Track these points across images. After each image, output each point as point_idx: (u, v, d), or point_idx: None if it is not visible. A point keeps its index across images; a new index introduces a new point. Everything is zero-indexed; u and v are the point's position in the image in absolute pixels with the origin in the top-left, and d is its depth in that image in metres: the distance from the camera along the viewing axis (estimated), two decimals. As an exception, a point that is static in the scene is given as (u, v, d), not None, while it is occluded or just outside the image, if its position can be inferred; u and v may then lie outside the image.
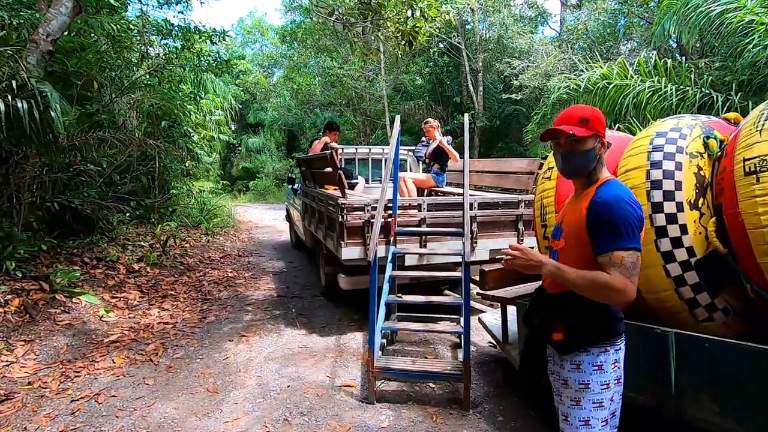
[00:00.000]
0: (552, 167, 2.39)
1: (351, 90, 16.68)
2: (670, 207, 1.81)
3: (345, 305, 4.76)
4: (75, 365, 3.33)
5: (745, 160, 1.63)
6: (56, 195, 5.20)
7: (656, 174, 1.88)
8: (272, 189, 20.27)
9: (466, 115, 3.83)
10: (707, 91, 6.00)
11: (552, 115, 7.53)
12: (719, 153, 1.88)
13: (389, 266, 3.48)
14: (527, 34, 11.54)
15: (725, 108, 5.64)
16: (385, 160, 6.61)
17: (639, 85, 6.27)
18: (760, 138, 1.61)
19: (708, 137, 1.92)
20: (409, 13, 4.64)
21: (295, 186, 7.29)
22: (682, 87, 6.15)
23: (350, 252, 3.66)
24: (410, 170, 6.38)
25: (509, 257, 1.46)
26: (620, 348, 1.45)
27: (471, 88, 13.11)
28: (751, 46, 5.69)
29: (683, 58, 8.03)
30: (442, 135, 5.42)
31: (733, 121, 2.10)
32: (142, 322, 4.23)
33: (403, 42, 5.03)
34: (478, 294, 3.05)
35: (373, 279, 2.80)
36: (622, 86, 6.45)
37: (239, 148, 22.90)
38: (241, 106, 22.74)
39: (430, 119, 5.57)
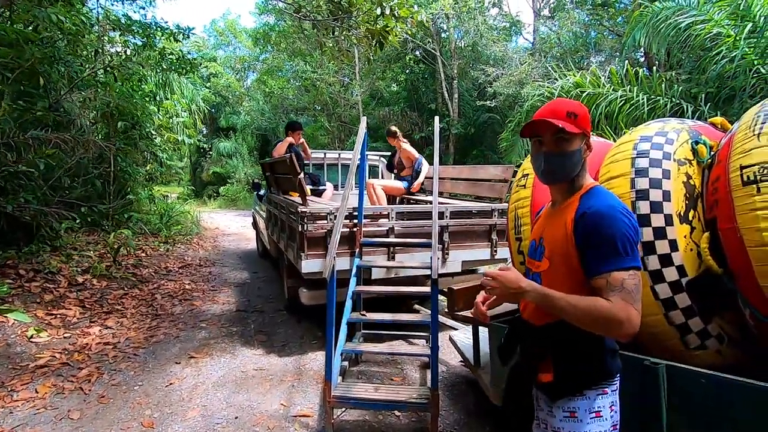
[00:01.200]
0: (528, 174, 2.17)
1: (325, 95, 16.39)
2: (657, 220, 1.61)
3: (308, 320, 4.43)
4: (-11, 396, 2.88)
5: (742, 167, 1.44)
6: (-12, 200, 4.68)
7: (642, 183, 1.67)
8: (243, 195, 19.68)
9: (437, 118, 3.61)
10: (677, 101, 6.02)
11: (526, 123, 7.45)
12: (710, 160, 1.69)
13: (353, 280, 3.19)
14: (501, 41, 11.56)
15: (695, 118, 5.66)
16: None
17: (611, 94, 6.25)
18: (759, 143, 1.42)
19: (697, 142, 1.74)
20: (379, 11, 4.41)
21: (261, 192, 6.93)
22: (653, 97, 6.16)
23: (311, 264, 3.35)
24: (381, 177, 6.13)
25: (488, 287, 1.22)
26: (617, 388, 1.21)
27: (446, 94, 13.05)
28: (719, 57, 5.74)
29: (652, 69, 8.13)
30: (406, 142, 5.23)
31: (720, 126, 1.93)
32: (78, 343, 3.78)
33: (374, 42, 4.80)
34: (446, 312, 2.80)
35: (331, 297, 2.51)
36: (595, 95, 6.43)
37: (210, 153, 22.19)
38: (212, 110, 22.11)
39: (389, 127, 5.35)
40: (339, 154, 6.19)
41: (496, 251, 4.03)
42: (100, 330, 4.09)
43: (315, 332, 4.17)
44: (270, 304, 5.11)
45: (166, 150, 10.46)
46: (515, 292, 1.16)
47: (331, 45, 6.51)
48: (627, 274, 1.07)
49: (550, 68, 7.82)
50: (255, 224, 7.92)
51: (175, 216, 9.77)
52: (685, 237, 1.60)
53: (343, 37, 5.71)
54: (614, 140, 3.88)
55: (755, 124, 1.48)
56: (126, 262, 6.17)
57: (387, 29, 4.60)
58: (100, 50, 7.38)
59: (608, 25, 11.57)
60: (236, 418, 2.72)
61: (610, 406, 1.19)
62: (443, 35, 13.80)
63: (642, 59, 11.05)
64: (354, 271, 3.27)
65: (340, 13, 5.39)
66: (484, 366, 2.53)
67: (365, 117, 3.54)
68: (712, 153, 1.70)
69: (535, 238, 1.34)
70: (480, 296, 1.36)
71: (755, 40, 5.35)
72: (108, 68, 7.08)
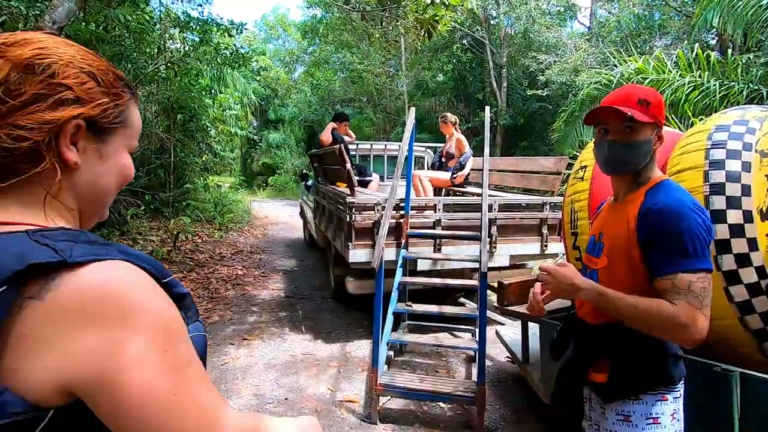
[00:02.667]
0: (586, 165, 2.07)
1: (371, 86, 16.43)
2: (735, 216, 1.48)
3: (354, 309, 4.51)
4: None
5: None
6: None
7: (717, 176, 1.54)
8: (291, 185, 20.23)
9: (487, 108, 3.53)
10: (756, 87, 5.49)
11: (580, 113, 7.09)
12: (799, 152, 1.53)
13: (399, 271, 3.21)
14: (555, 27, 11.03)
15: (776, 105, 5.13)
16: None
17: (678, 80, 5.79)
18: None
19: (783, 132, 1.57)
20: (429, 0, 4.34)
21: (308, 182, 7.10)
22: (726, 82, 5.65)
23: (358, 254, 3.40)
24: (428, 168, 6.08)
25: (544, 281, 1.19)
26: (680, 395, 1.14)
27: (494, 84, 12.67)
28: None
29: (725, 52, 7.45)
30: (460, 132, 5.11)
31: (811, 114, 1.74)
32: (143, 321, 4.08)
33: (423, 32, 4.74)
34: (495, 306, 2.75)
35: (379, 287, 2.54)
36: (658, 81, 5.98)
37: (260, 144, 22.97)
38: (262, 102, 22.84)
39: (446, 114, 5.24)
40: (385, 145, 6.20)
41: (546, 246, 3.90)
42: (162, 310, 4.38)
43: (360, 321, 4.24)
44: (317, 291, 5.25)
45: (219, 141, 10.98)
46: (569, 289, 1.12)
47: (378, 35, 6.49)
48: (695, 277, 1.00)
49: (608, 54, 7.37)
50: (302, 214, 8.14)
51: (228, 205, 10.24)
52: (766, 236, 1.47)
53: (391, 27, 5.69)
54: (682, 130, 3.60)
55: None
56: (184, 247, 6.57)
57: (436, 18, 4.52)
58: (162, 47, 7.82)
59: (675, 5, 10.70)
60: (286, 399, 2.83)
61: (672, 414, 1.12)
62: (492, 22, 13.37)
63: (713, 42, 10.15)
64: (400, 262, 3.29)
65: (388, 3, 5.36)
66: (533, 363, 2.47)
67: (413, 107, 3.52)
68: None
69: (595, 234, 1.28)
70: (537, 287, 1.32)
71: None
72: (169, 64, 7.50)
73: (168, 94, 7.63)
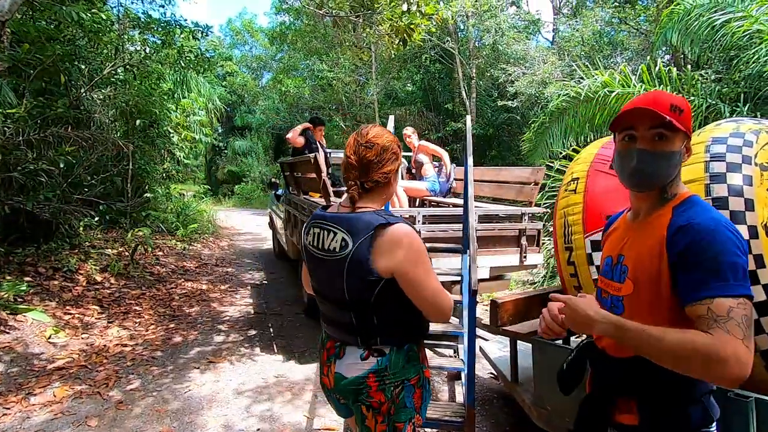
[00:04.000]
0: (578, 178, 2.00)
1: (341, 94, 16.29)
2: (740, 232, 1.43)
3: (329, 325, 4.31)
4: (7, 399, 2.81)
5: None
6: (9, 197, 4.66)
7: (719, 189, 1.49)
8: (258, 194, 19.71)
9: (468, 117, 3.45)
10: (713, 102, 5.75)
11: (550, 124, 7.22)
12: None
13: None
14: (523, 40, 11.30)
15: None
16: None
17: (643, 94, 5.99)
18: None
19: (780, 145, 1.55)
20: (405, 7, 4.26)
21: (278, 191, 6.84)
22: (686, 97, 5.90)
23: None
24: (402, 178, 5.98)
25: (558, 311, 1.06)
26: None
27: (464, 94, 12.83)
28: (757, 56, 5.45)
29: (679, 69, 7.83)
30: (417, 138, 5.10)
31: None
32: (96, 344, 3.71)
33: (398, 40, 4.65)
34: (483, 325, 2.64)
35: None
36: (624, 94, 6.18)
37: (225, 151, 22.29)
38: (227, 109, 22.20)
39: (406, 129, 5.23)
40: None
41: (525, 257, 3.85)
42: (118, 331, 4.02)
43: (335, 338, 4.04)
44: (288, 307, 5.00)
45: (183, 148, 10.48)
46: (584, 322, 0.99)
47: (350, 43, 6.36)
48: (735, 302, 0.88)
49: (576, 67, 7.58)
50: (272, 224, 7.85)
51: (191, 214, 9.76)
52: (772, 252, 1.42)
53: (364, 34, 5.57)
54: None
55: None
56: (144, 260, 6.14)
57: (412, 26, 4.45)
58: (120, 48, 7.38)
59: (632, 23, 11.23)
60: (258, 430, 2.60)
61: None
62: (462, 34, 13.58)
63: (668, 58, 10.70)
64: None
65: (362, 9, 5.26)
66: (523, 382, 2.37)
67: (392, 116, 3.40)
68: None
69: (612, 255, 1.16)
70: (553, 308, 1.15)
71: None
72: (127, 66, 7.07)
73: (126, 97, 7.17)
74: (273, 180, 7.70)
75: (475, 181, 4.99)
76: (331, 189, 3.35)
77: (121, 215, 7.27)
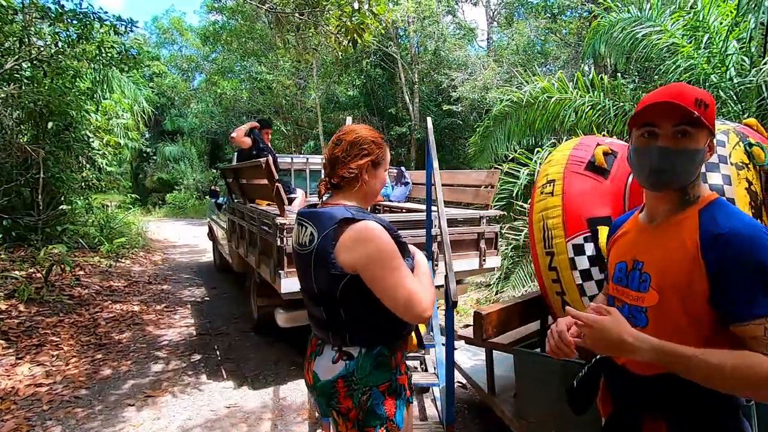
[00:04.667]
0: (554, 179, 1.94)
1: (281, 97, 15.74)
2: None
3: (281, 343, 4.01)
4: None
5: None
6: None
7: (702, 190, 1.48)
8: (192, 202, 18.50)
9: (429, 120, 3.35)
10: (639, 108, 6.21)
11: (495, 128, 7.42)
12: (768, 164, 1.54)
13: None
14: (464, 47, 11.61)
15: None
16: (325, 172, 5.96)
17: (579, 99, 6.33)
18: None
19: (750, 145, 1.58)
20: (356, 5, 4.10)
21: (219, 200, 6.36)
22: (617, 102, 6.32)
23: (292, 283, 2.96)
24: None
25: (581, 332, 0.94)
26: None
27: (407, 99, 12.93)
28: (675, 67, 5.96)
29: (601, 77, 8.42)
30: None
31: (755, 128, 1.81)
32: (1, 387, 3.12)
33: (348, 40, 4.47)
34: (460, 337, 2.52)
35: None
36: (562, 100, 6.49)
37: (154, 158, 20.68)
38: (156, 112, 20.66)
39: None
40: (307, 158, 5.78)
41: (484, 260, 3.83)
42: (29, 368, 3.42)
43: (292, 357, 3.75)
44: (235, 325, 4.60)
45: (105, 155, 9.46)
46: (616, 346, 0.88)
47: (294, 43, 6.09)
48: None
49: (515, 73, 7.87)
50: (211, 235, 7.29)
51: (117, 227, 8.84)
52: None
53: (310, 34, 5.34)
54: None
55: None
56: (61, 282, 5.38)
57: (362, 26, 4.29)
58: (26, 40, 6.48)
59: (559, 35, 12.00)
60: (211, 473, 2.27)
61: None
62: (404, 40, 13.70)
63: (591, 67, 11.55)
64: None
65: (307, 8, 5.03)
66: (499, 393, 2.28)
67: (350, 116, 3.21)
68: (771, 156, 1.55)
69: (627, 261, 1.07)
70: (561, 324, 1.04)
71: (708, 51, 5.59)
72: (36, 61, 6.22)
73: (35, 97, 6.30)
74: (213, 188, 7.16)
75: (432, 185, 4.95)
76: (285, 196, 3.09)
77: (31, 231, 6.37)
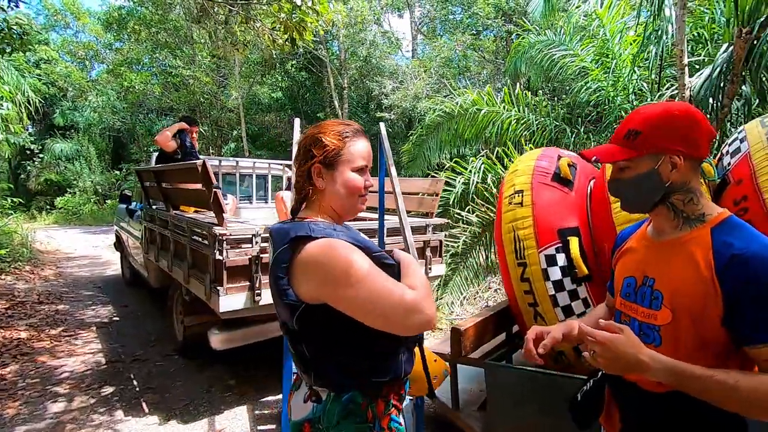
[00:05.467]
0: (522, 190, 1.94)
1: (198, 95, 14.63)
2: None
3: (214, 365, 3.60)
4: None
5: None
6: None
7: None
8: (90, 207, 16.40)
9: (382, 125, 3.24)
10: (558, 123, 6.74)
11: (427, 137, 7.59)
12: (718, 179, 1.67)
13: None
14: (392, 56, 11.79)
15: (573, 137, 6.38)
16: (257, 176, 5.59)
17: (506, 113, 6.71)
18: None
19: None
20: (299, 2, 3.87)
21: (132, 206, 5.64)
22: (537, 118, 6.81)
23: (233, 301, 2.64)
24: (286, 188, 5.49)
25: (593, 351, 0.90)
26: None
27: (336, 104, 12.77)
28: (585, 88, 6.58)
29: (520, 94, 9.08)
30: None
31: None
32: None
33: (287, 38, 4.21)
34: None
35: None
36: (490, 113, 6.83)
37: (41, 156, 17.94)
38: (44, 103, 18.01)
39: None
40: (237, 162, 5.34)
41: (430, 269, 3.82)
42: None
43: (225, 381, 3.37)
44: (154, 348, 4.05)
45: (-22, 150, 7.95)
46: (633, 367, 0.86)
47: (221, 37, 5.65)
48: None
49: (445, 84, 8.14)
50: (119, 244, 6.43)
51: (-6, 237, 7.45)
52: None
53: (242, 30, 4.96)
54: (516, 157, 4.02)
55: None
56: None
57: (303, 24, 4.08)
58: None
59: (480, 53, 12.76)
60: None
61: None
62: (332, 44, 13.54)
63: (514, 84, 12.46)
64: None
65: (238, 0, 4.68)
66: (464, 408, 2.22)
67: (297, 118, 2.98)
68: (722, 173, 1.69)
69: (635, 276, 1.05)
70: (532, 332, 1.07)
71: (615, 75, 6.26)
72: None
73: None
74: (125, 192, 6.34)
75: (388, 192, 4.86)
76: (224, 203, 2.77)
77: None
